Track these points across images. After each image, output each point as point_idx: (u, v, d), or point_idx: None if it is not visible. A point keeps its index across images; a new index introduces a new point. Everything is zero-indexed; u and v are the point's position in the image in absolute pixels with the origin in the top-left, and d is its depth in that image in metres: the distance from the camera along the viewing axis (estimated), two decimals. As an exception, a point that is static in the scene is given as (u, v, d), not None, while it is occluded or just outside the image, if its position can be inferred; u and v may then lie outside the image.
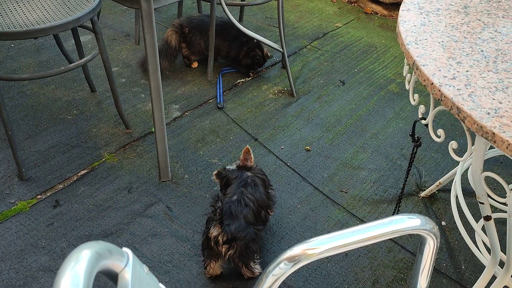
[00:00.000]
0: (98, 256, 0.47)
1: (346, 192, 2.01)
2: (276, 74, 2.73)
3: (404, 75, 1.27)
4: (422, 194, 2.00)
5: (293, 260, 0.78)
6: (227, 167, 1.75)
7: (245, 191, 1.60)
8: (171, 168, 2.03)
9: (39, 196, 1.87)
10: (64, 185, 1.93)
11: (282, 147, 2.22)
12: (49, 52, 2.70)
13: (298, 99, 2.54)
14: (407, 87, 1.24)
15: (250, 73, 2.66)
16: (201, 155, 2.14)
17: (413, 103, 1.21)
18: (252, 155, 1.76)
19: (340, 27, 3.27)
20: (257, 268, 1.62)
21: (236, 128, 2.32)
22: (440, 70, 1.02)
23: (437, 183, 1.94)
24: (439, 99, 0.97)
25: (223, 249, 1.49)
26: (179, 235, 1.77)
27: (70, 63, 2.47)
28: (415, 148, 1.27)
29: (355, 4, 3.56)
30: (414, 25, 1.20)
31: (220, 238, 1.48)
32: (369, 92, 2.64)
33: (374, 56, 2.96)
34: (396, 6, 3.43)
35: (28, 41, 2.77)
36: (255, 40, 2.54)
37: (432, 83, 0.99)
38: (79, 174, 1.98)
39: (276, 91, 2.59)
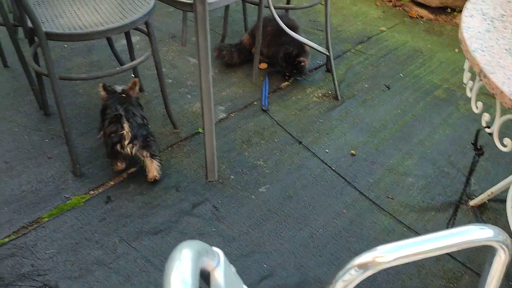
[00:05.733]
0: (198, 255, 0.49)
1: (393, 199, 1.99)
2: (320, 78, 2.73)
3: (464, 82, 1.25)
4: (472, 203, 1.95)
5: (363, 267, 0.78)
6: (114, 87, 2.08)
7: (126, 107, 1.93)
8: (217, 168, 2.06)
9: (91, 192, 1.93)
10: (114, 182, 1.99)
11: (327, 150, 2.22)
12: (100, 52, 2.79)
13: (343, 103, 2.53)
14: (468, 94, 1.21)
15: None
16: (246, 156, 2.16)
17: (476, 111, 1.19)
18: (137, 88, 2.11)
19: (384, 31, 3.24)
20: (158, 165, 1.97)
21: (280, 130, 2.33)
22: (509, 79, 1.00)
23: (488, 192, 1.89)
24: (509, 108, 0.96)
25: (128, 148, 1.88)
26: (226, 235, 1.79)
27: (121, 63, 2.55)
28: (477, 157, 1.25)
29: (400, 8, 3.51)
30: (479, 32, 1.18)
31: (124, 140, 1.86)
32: (415, 97, 2.60)
33: (420, 61, 2.92)
34: (442, 10, 3.36)
35: (80, 42, 2.86)
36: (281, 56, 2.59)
37: (502, 92, 0.97)
38: (128, 172, 2.03)
39: (320, 95, 2.59)
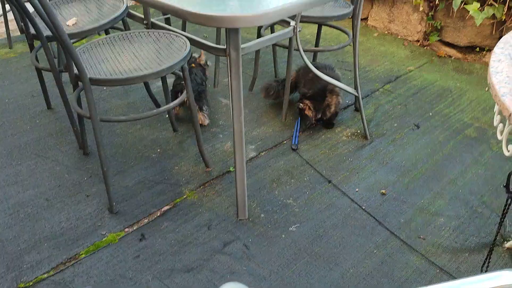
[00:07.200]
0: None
1: (424, 239, 1.97)
2: (349, 117, 2.77)
3: (495, 125, 1.27)
4: (507, 245, 1.91)
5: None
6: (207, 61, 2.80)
7: (190, 69, 2.48)
8: (248, 206, 2.10)
9: (126, 229, 2.00)
10: (149, 219, 2.05)
11: (357, 189, 2.23)
12: (136, 94, 2.92)
13: (372, 142, 2.55)
14: (499, 137, 1.23)
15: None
16: (276, 195, 2.19)
17: (506, 154, 1.20)
18: (202, 57, 2.75)
19: (412, 70, 3.27)
20: (206, 118, 2.62)
21: (309, 169, 2.36)
22: (539, 123, 1.01)
23: (524, 234, 1.85)
24: (539, 153, 0.97)
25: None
26: (256, 274, 1.81)
27: (156, 105, 2.67)
28: (510, 200, 1.25)
29: (428, 48, 3.56)
30: (508, 76, 1.21)
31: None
32: (445, 136, 2.59)
33: (449, 100, 2.93)
34: (471, 49, 3.38)
35: (117, 84, 3.02)
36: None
37: (531, 136, 0.98)
38: (162, 210, 2.10)
39: (349, 134, 2.62)
